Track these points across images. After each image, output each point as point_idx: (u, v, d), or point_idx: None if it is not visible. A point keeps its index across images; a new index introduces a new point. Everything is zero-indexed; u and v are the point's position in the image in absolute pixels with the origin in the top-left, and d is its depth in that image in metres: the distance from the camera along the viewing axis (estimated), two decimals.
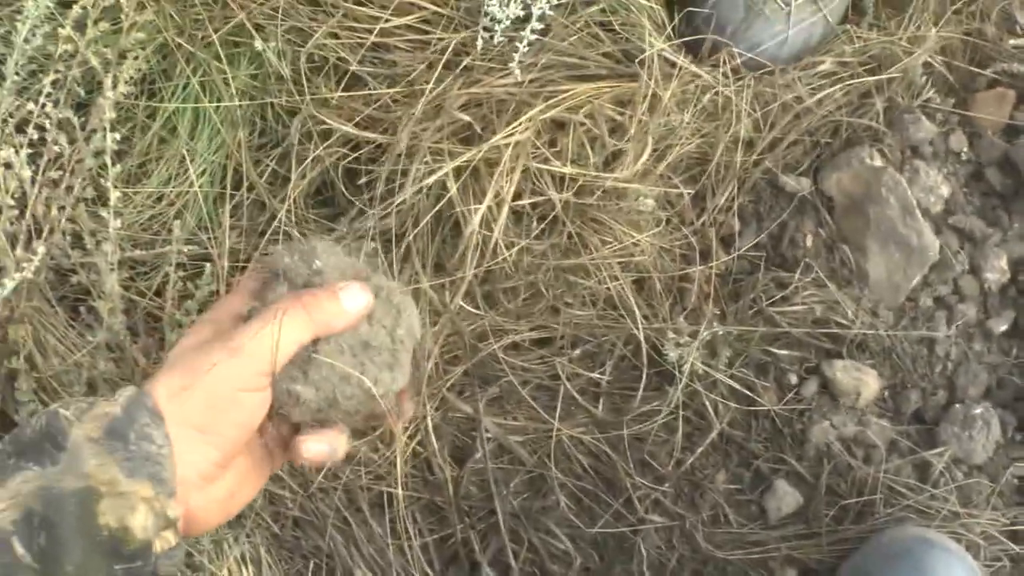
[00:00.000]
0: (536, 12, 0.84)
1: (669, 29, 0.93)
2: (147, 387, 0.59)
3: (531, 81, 0.86)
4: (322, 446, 0.62)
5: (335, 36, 0.85)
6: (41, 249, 0.79)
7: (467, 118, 0.84)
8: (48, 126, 0.83)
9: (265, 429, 0.63)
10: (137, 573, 0.56)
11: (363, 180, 0.85)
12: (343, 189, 0.87)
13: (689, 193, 0.94)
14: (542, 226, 0.89)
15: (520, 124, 0.82)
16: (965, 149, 0.96)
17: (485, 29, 0.86)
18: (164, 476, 0.56)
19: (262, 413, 0.60)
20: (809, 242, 0.94)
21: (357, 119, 0.84)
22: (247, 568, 0.81)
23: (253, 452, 0.63)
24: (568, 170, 0.88)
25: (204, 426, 0.58)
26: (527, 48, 0.86)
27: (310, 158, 0.84)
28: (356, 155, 0.86)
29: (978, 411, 0.90)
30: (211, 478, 0.60)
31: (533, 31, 0.84)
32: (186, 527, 0.59)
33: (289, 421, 0.62)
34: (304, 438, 0.62)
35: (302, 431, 0.62)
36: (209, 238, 0.86)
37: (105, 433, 0.56)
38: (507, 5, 0.81)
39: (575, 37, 0.89)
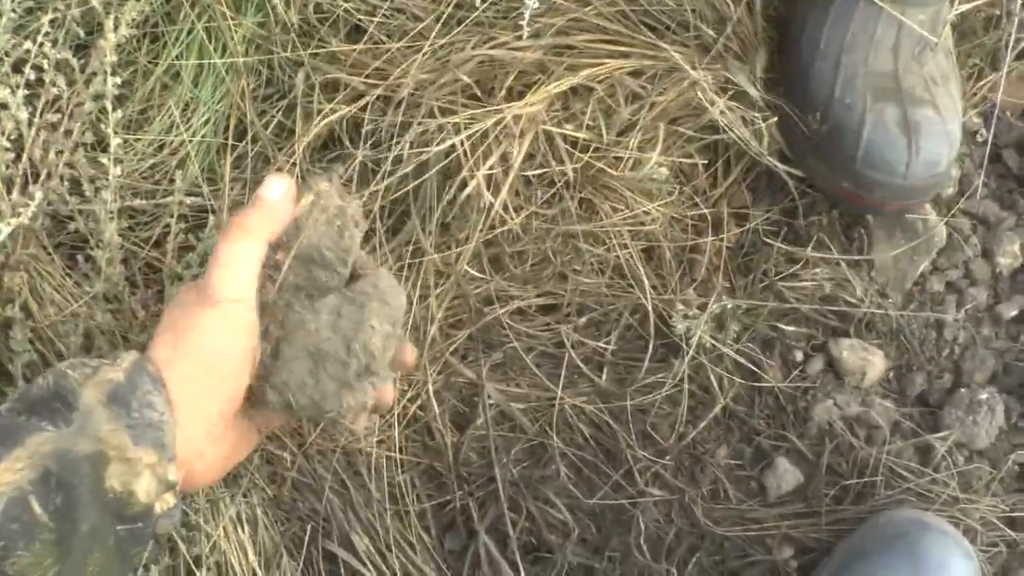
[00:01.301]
0: None
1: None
2: (148, 352, 0.60)
3: (547, 47, 0.85)
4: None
5: None
6: (38, 194, 0.78)
7: (466, 79, 0.83)
8: (46, 67, 0.81)
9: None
10: (138, 534, 0.58)
11: (369, 133, 0.83)
12: (349, 143, 0.85)
13: (703, 163, 0.93)
14: (552, 191, 0.88)
15: (537, 95, 0.81)
16: (982, 130, 0.96)
17: None
18: (166, 442, 0.58)
19: (251, 359, 0.62)
20: (825, 220, 0.94)
21: (365, 74, 0.83)
22: (243, 528, 0.81)
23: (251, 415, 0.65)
24: (582, 135, 0.87)
25: (205, 388, 0.60)
26: (538, 6, 0.85)
27: (317, 114, 0.82)
28: (362, 107, 0.85)
29: (983, 396, 0.91)
30: (213, 439, 0.62)
31: None
32: (184, 483, 0.61)
33: None
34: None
35: None
36: (211, 190, 0.84)
37: (109, 399, 0.57)
38: None
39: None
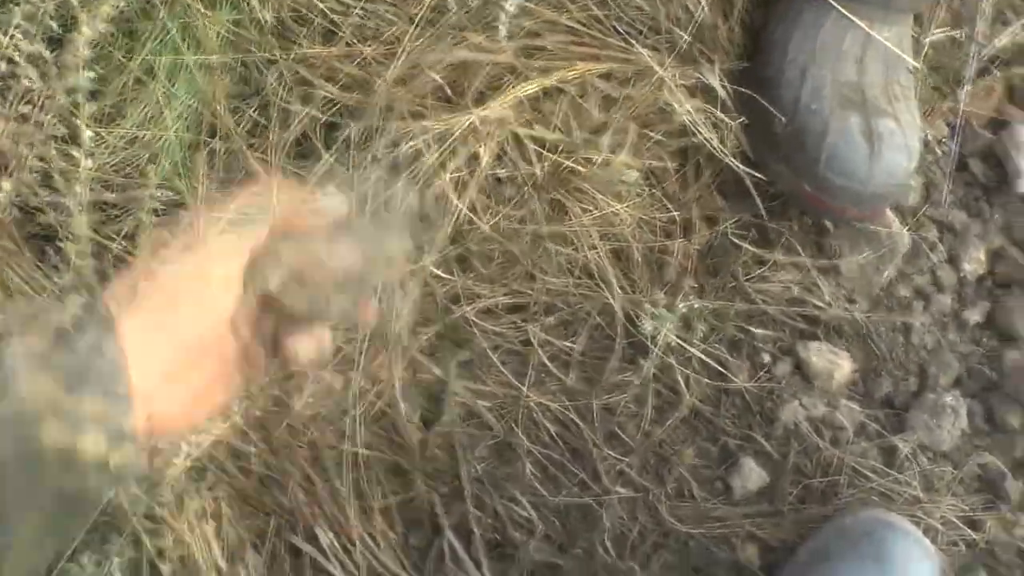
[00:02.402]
0: None
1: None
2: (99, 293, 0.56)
3: (518, 48, 0.86)
4: (311, 344, 0.61)
5: None
6: (7, 185, 0.79)
7: (439, 79, 0.85)
8: (18, 59, 0.83)
9: (238, 331, 0.59)
10: (94, 489, 0.55)
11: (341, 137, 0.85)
12: (321, 146, 0.87)
13: (674, 167, 0.95)
14: (521, 193, 0.90)
15: (506, 97, 0.83)
16: (946, 140, 0.98)
17: None
18: (117, 390, 0.54)
19: (223, 310, 0.58)
20: (795, 225, 0.96)
21: (339, 78, 0.84)
22: (208, 521, 0.83)
23: (223, 355, 0.59)
24: (551, 136, 0.89)
25: (160, 323, 0.56)
26: (513, 9, 0.86)
27: (294, 120, 0.84)
28: (335, 109, 0.86)
29: (948, 399, 0.93)
30: (172, 378, 0.57)
31: None
32: (154, 427, 0.56)
33: (268, 325, 0.60)
34: (292, 339, 0.61)
35: (284, 330, 0.60)
36: (184, 184, 0.86)
37: (51, 345, 0.53)
38: None
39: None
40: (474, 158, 0.85)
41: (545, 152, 0.88)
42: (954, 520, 0.90)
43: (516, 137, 0.88)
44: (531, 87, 0.87)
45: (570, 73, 0.89)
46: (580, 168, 0.90)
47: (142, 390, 0.54)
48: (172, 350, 0.56)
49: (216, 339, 0.58)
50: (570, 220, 0.92)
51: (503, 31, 0.87)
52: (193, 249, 0.58)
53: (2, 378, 0.51)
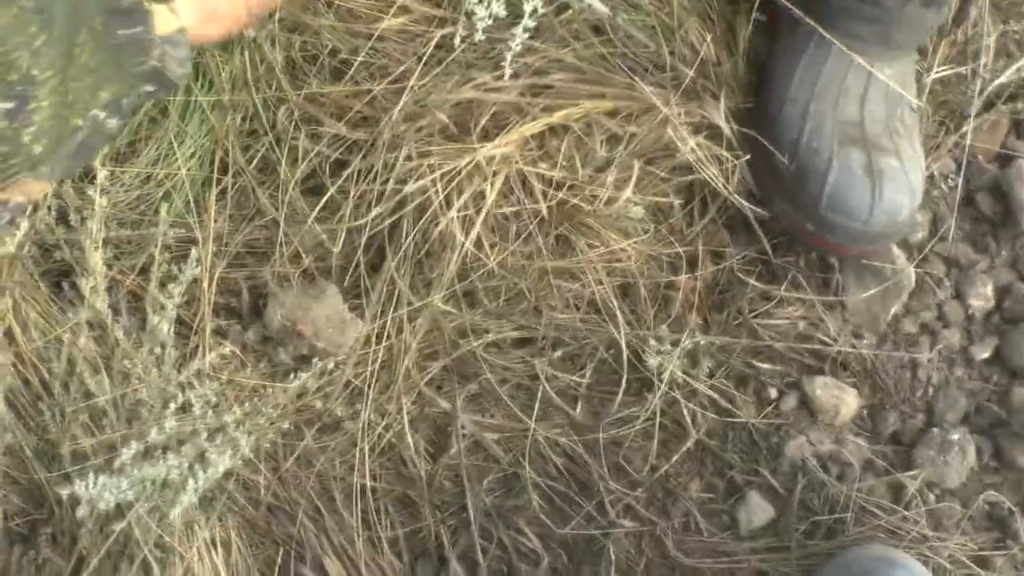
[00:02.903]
0: (528, 8, 0.85)
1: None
2: None
3: (524, 87, 0.88)
4: None
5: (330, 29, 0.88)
6: (24, 224, 0.82)
7: (445, 119, 0.87)
8: None
9: None
10: (136, 40, 0.56)
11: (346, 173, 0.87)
12: (329, 179, 0.89)
13: (680, 203, 0.96)
14: (528, 230, 0.91)
15: (511, 136, 0.85)
16: (952, 175, 0.99)
17: (465, 26, 0.88)
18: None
19: None
20: (801, 261, 0.97)
21: (347, 116, 0.87)
22: (217, 551, 0.84)
23: None
24: (556, 173, 0.90)
25: None
26: (519, 48, 0.88)
27: (302, 156, 0.86)
28: (344, 146, 0.89)
29: (955, 436, 0.93)
30: None
31: (526, 29, 0.86)
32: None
33: None
34: None
35: None
36: (195, 221, 0.88)
37: None
38: (488, 5, 0.84)
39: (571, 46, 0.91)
40: (480, 196, 0.87)
41: (551, 190, 0.90)
42: (963, 559, 0.90)
43: (521, 174, 0.89)
44: (536, 126, 0.88)
45: (575, 111, 0.91)
46: (585, 205, 0.91)
47: None
48: None
49: None
50: (576, 256, 0.93)
51: (508, 70, 0.89)
52: None
53: None
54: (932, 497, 0.92)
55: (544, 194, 0.89)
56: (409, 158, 0.84)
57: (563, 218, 0.92)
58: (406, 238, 0.87)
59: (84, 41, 0.54)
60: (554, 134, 0.92)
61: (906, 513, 0.91)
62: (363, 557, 0.89)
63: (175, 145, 0.87)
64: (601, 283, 0.94)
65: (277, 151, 0.89)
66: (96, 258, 0.82)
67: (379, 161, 0.86)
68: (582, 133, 0.91)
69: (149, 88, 0.58)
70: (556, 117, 0.90)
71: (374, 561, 0.90)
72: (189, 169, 0.88)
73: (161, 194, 0.89)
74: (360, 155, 0.88)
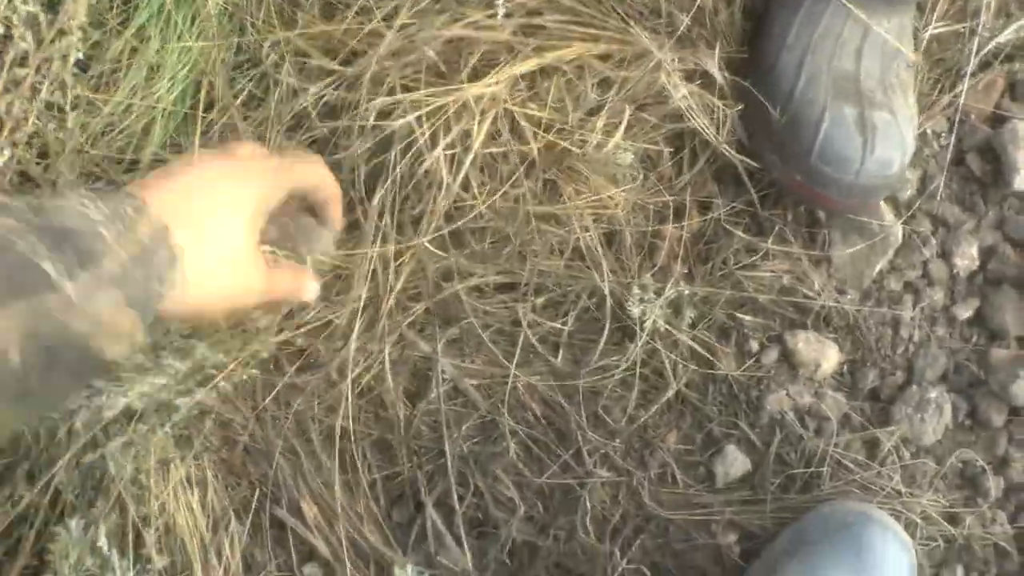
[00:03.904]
0: None
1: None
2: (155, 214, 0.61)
3: (516, 26, 0.88)
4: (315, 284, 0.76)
5: None
6: (7, 151, 0.81)
7: (434, 56, 0.86)
8: (15, 22, 0.85)
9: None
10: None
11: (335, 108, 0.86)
12: (316, 116, 0.89)
13: (670, 151, 0.96)
14: (516, 174, 0.91)
15: (500, 75, 0.84)
16: (944, 133, 0.99)
17: None
18: (150, 306, 0.60)
19: (248, 210, 0.67)
20: (789, 215, 0.97)
21: (339, 54, 0.86)
22: (192, 490, 0.85)
23: (256, 263, 0.69)
24: (545, 114, 0.90)
25: (181, 217, 0.63)
26: None
27: (291, 93, 0.85)
28: (333, 83, 0.88)
29: (933, 395, 0.95)
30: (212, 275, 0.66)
31: None
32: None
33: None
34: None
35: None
36: (175, 154, 0.88)
37: (131, 263, 0.59)
38: None
39: None
40: (467, 135, 0.87)
41: (540, 132, 0.90)
42: (934, 515, 0.92)
43: (510, 115, 0.89)
44: (527, 66, 0.88)
45: (567, 53, 0.90)
46: (575, 149, 0.91)
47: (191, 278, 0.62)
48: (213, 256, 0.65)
49: (249, 251, 0.68)
50: (564, 201, 0.93)
51: (501, 9, 0.89)
52: (228, 155, 0.70)
53: (91, 286, 0.57)
54: (907, 454, 0.94)
55: (534, 135, 0.89)
56: (392, 91, 0.84)
57: (552, 161, 0.92)
58: (390, 176, 0.87)
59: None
60: (545, 75, 0.92)
61: (881, 469, 0.93)
62: (339, 500, 0.90)
63: (156, 75, 0.86)
64: (587, 230, 0.94)
65: (263, 86, 0.88)
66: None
67: (363, 95, 0.85)
68: (574, 76, 0.91)
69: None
70: (548, 58, 0.89)
71: (350, 505, 0.91)
72: (172, 102, 0.87)
73: (141, 127, 0.88)
74: (344, 87, 0.87)
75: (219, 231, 0.65)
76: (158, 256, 0.60)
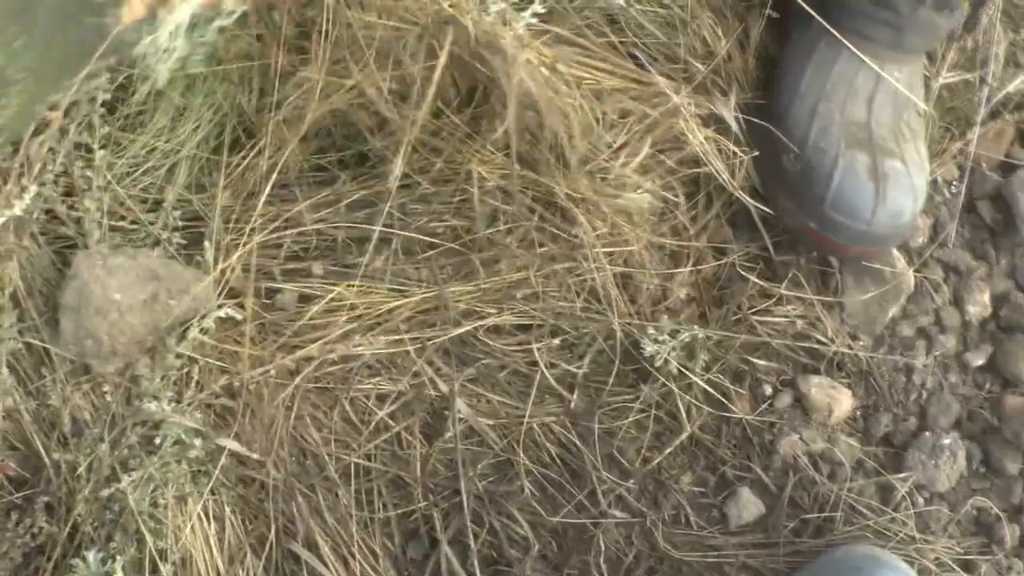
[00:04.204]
0: None
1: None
2: None
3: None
4: None
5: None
6: (33, 187, 0.84)
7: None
8: None
9: None
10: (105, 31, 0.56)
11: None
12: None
13: (685, 195, 0.98)
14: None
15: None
16: (955, 182, 1.01)
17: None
18: None
19: None
20: (802, 260, 0.99)
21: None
22: (210, 525, 0.86)
23: None
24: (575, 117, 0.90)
25: None
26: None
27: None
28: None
29: (947, 441, 0.95)
30: None
31: (535, 14, 0.87)
32: None
33: None
34: None
35: None
36: (199, 198, 0.90)
37: None
38: None
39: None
40: None
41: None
42: (948, 562, 0.93)
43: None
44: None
45: (584, 77, 0.92)
46: (591, 176, 0.92)
47: None
48: None
49: None
50: (578, 237, 0.95)
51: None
52: None
53: None
54: (921, 500, 0.95)
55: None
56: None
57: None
58: None
59: (59, 40, 0.54)
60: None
61: (895, 514, 0.94)
62: (355, 537, 0.91)
63: (179, 118, 0.88)
64: (602, 270, 0.96)
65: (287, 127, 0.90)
66: (96, 236, 0.84)
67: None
68: (592, 99, 0.92)
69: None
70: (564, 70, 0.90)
71: (365, 542, 0.92)
72: (197, 145, 0.89)
73: (166, 167, 0.90)
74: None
75: None
76: None
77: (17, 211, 0.80)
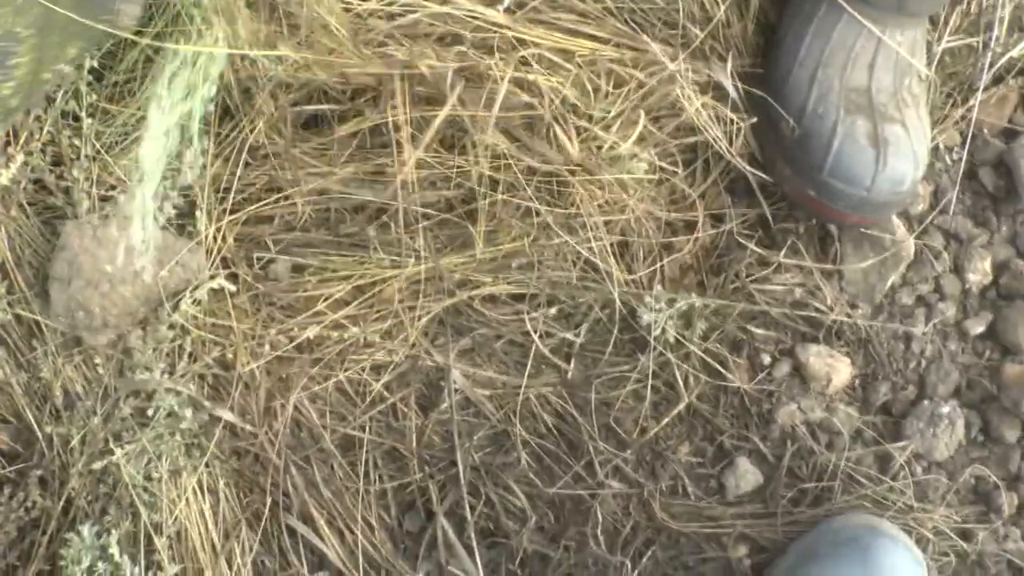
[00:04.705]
0: None
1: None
2: None
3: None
4: None
5: None
6: (19, 157, 0.83)
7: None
8: None
9: None
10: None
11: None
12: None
13: (683, 162, 0.98)
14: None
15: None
16: (957, 148, 1.01)
17: None
18: None
19: None
20: (801, 228, 0.99)
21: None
22: (204, 499, 0.86)
23: None
24: (567, 90, 0.89)
25: None
26: None
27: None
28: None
29: (945, 410, 0.96)
30: None
31: None
32: None
33: None
34: None
35: None
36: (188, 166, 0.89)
37: None
38: None
39: None
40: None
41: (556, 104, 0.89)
42: (946, 531, 0.93)
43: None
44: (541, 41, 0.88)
45: (579, 47, 0.91)
46: (591, 140, 0.92)
47: None
48: None
49: None
50: (576, 208, 0.94)
51: (505, 2, 0.89)
52: None
53: None
54: (919, 469, 0.95)
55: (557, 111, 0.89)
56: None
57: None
58: None
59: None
60: (556, 69, 0.92)
61: (892, 484, 0.94)
62: (351, 509, 0.91)
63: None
64: (600, 239, 0.95)
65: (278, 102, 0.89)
66: (85, 206, 0.83)
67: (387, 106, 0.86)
68: (589, 71, 0.91)
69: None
70: (557, 42, 0.89)
71: (361, 514, 0.92)
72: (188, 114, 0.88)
73: None
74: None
75: None
76: None
77: (4, 181, 0.80)
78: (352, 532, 0.91)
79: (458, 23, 0.88)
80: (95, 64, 0.88)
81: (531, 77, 0.89)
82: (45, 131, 0.88)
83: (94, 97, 0.89)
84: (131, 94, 0.90)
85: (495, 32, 0.88)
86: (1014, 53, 0.98)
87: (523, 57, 0.89)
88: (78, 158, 0.88)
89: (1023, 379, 0.95)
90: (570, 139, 0.91)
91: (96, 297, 0.85)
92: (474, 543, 0.92)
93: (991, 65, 0.98)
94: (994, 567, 0.94)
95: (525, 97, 0.89)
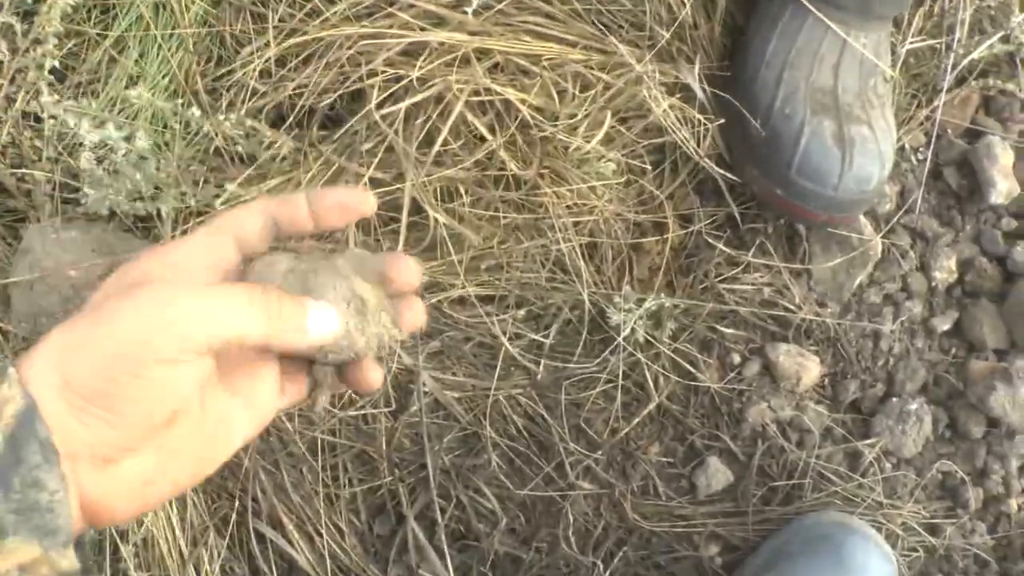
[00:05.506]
0: None
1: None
2: (25, 368, 0.48)
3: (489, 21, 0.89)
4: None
5: None
6: None
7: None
8: None
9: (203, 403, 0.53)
10: None
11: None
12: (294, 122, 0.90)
13: (651, 164, 0.99)
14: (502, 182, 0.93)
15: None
16: (922, 148, 1.02)
17: None
18: (57, 524, 0.47)
19: (184, 392, 0.50)
20: (769, 228, 1.00)
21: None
22: (171, 505, 0.86)
23: (194, 426, 0.53)
24: (533, 99, 0.90)
25: (93, 397, 0.49)
26: None
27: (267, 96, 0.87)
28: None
29: (913, 407, 0.97)
30: (110, 460, 0.50)
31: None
32: (90, 518, 0.50)
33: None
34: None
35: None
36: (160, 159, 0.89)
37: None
38: None
39: None
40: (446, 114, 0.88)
41: (524, 109, 0.90)
42: (915, 526, 0.95)
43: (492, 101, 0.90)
44: (508, 49, 0.89)
45: (546, 49, 0.92)
46: (559, 142, 0.93)
47: (74, 468, 0.49)
48: (110, 432, 0.49)
49: (178, 416, 0.52)
50: (544, 208, 0.95)
51: (473, 3, 0.89)
52: (159, 304, 0.50)
53: None
54: (888, 465, 0.97)
55: (519, 120, 0.90)
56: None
57: (536, 155, 0.93)
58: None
59: None
60: (523, 73, 0.93)
61: (862, 480, 0.96)
62: (321, 514, 0.91)
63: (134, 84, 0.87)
64: (569, 241, 0.96)
65: (243, 93, 0.89)
66: (48, 209, 0.83)
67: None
68: (555, 75, 0.92)
69: None
70: (529, 45, 0.90)
71: (331, 518, 0.92)
72: (150, 108, 0.88)
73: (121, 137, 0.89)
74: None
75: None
76: (24, 462, 0.47)
77: None
78: (322, 536, 0.91)
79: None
80: (56, 64, 0.88)
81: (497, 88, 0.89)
82: (5, 132, 0.87)
83: (56, 97, 0.88)
84: (95, 95, 0.90)
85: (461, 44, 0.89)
86: (975, 55, 1.01)
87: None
88: (40, 160, 0.87)
89: (988, 375, 0.97)
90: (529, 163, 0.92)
91: (59, 301, 0.84)
92: (445, 546, 0.93)
93: (954, 66, 1.00)
94: (961, 561, 0.95)
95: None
